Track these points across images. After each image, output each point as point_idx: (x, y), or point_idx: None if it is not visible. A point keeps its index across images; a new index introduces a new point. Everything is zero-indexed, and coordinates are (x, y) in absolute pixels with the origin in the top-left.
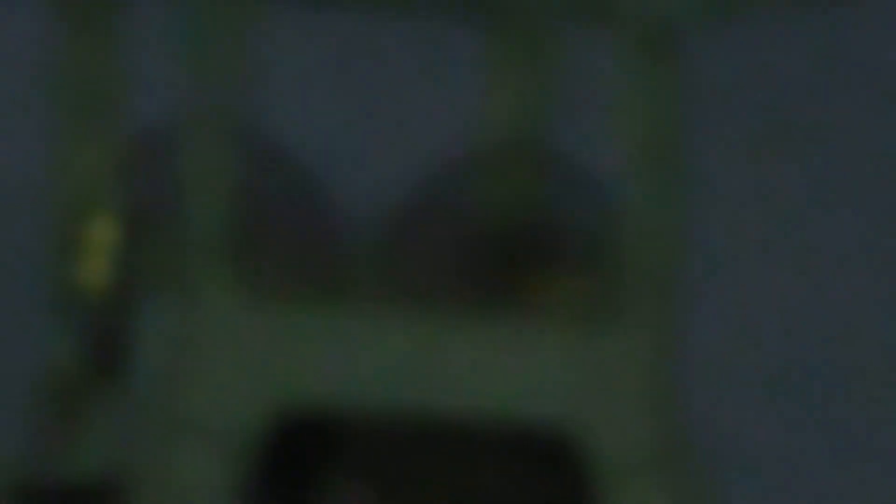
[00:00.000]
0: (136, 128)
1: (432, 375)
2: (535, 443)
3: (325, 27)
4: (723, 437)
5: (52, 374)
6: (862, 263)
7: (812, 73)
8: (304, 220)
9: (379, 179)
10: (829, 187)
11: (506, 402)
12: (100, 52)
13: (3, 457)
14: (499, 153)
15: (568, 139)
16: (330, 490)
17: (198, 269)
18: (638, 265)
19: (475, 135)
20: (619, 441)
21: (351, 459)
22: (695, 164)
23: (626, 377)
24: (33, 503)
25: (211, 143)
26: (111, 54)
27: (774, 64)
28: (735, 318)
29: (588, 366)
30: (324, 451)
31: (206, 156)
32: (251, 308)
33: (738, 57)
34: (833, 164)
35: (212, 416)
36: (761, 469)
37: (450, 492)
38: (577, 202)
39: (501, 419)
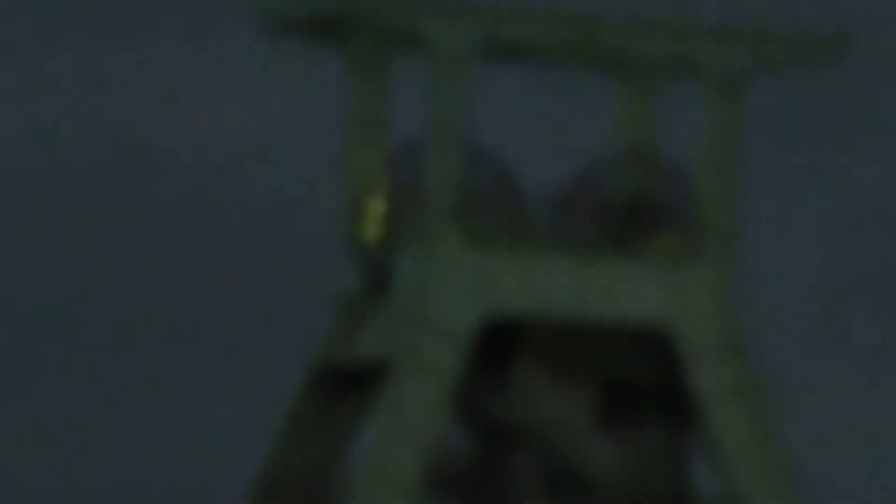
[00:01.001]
0: (397, 142)
1: (586, 293)
2: (647, 335)
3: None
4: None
5: (347, 291)
6: None
7: None
8: (504, 194)
9: (550, 173)
10: None
11: (630, 310)
12: (378, 91)
13: (312, 346)
14: (625, 155)
15: (667, 150)
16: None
17: (435, 225)
18: (709, 229)
19: (610, 144)
20: (697, 335)
21: (534, 349)
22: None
23: (702, 296)
24: (330, 377)
25: (443, 152)
26: (385, 94)
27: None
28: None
29: (678, 288)
30: (517, 344)
31: (440, 157)
32: (470, 250)
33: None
34: None
35: (446, 319)
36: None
37: (594, 367)
38: (674, 188)
39: (627, 321)
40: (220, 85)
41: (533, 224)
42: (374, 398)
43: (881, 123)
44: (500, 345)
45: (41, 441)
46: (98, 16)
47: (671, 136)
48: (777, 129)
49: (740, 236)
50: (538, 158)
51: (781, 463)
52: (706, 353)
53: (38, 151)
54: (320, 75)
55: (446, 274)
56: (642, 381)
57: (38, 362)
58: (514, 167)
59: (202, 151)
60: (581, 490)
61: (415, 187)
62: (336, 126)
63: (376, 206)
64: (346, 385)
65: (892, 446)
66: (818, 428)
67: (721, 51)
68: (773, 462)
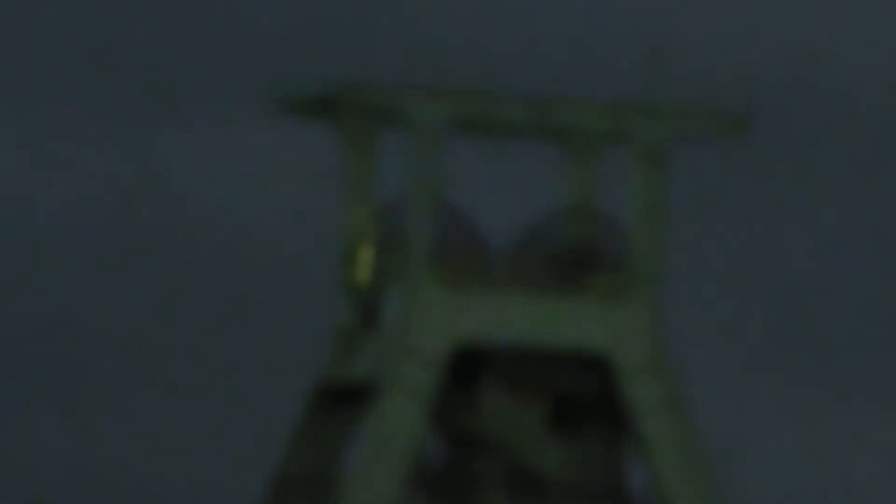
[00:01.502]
0: (383, 202)
1: (538, 324)
2: (589, 358)
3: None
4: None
5: (341, 324)
6: None
7: None
8: (471, 244)
9: (509, 226)
10: None
11: (575, 337)
12: (366, 159)
13: (314, 370)
14: (570, 211)
15: (605, 207)
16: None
17: (414, 270)
18: (640, 271)
19: (558, 202)
20: (630, 357)
21: (496, 370)
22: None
23: (634, 325)
24: (329, 395)
25: (421, 209)
26: (373, 159)
27: None
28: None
29: (615, 319)
30: (481, 368)
31: (419, 213)
32: (443, 289)
33: None
34: None
35: (423, 347)
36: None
37: (545, 384)
38: (611, 238)
39: (573, 346)
40: (237, 156)
41: (494, 268)
42: (364, 413)
43: (784, 188)
44: (469, 367)
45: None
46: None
47: (608, 195)
48: (699, 190)
49: (665, 277)
50: (499, 214)
51: (702, 465)
52: (638, 372)
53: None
54: (319, 147)
55: (424, 309)
56: (586, 396)
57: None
58: (479, 221)
59: (226, 212)
60: (535, 488)
61: (398, 238)
62: (332, 189)
63: (366, 255)
64: (342, 402)
65: (788, 451)
66: (730, 436)
67: (647, 125)
68: (695, 464)
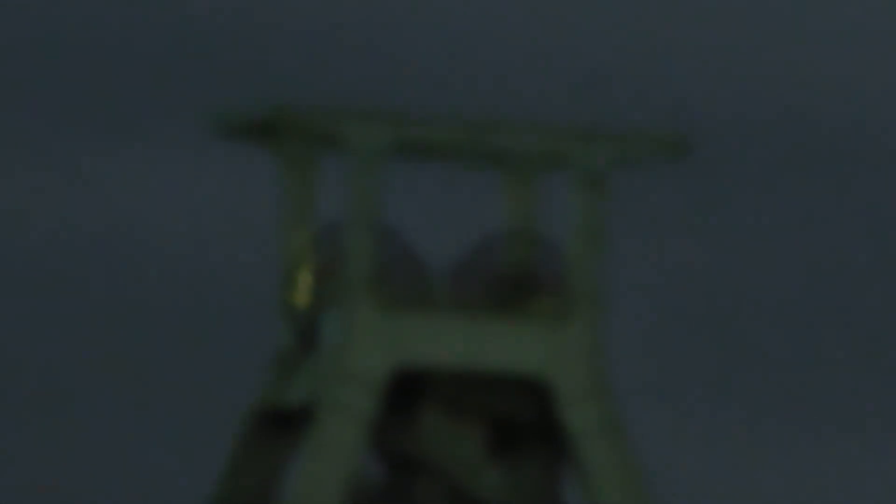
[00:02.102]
0: (322, 225)
1: (478, 347)
2: (528, 381)
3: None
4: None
5: (280, 347)
6: None
7: None
8: (410, 267)
9: (448, 250)
10: None
11: (514, 361)
12: (306, 183)
13: (250, 392)
14: (510, 235)
15: (544, 231)
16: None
17: (353, 293)
18: (579, 295)
19: (497, 226)
20: (569, 381)
21: (435, 393)
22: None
23: (573, 349)
24: (267, 419)
25: (360, 233)
26: (312, 182)
27: None
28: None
29: (554, 343)
30: (420, 391)
31: (358, 237)
32: (382, 312)
33: None
34: None
35: (362, 370)
36: None
37: (484, 408)
38: (550, 262)
39: (512, 370)
40: (174, 180)
41: (434, 291)
42: (303, 437)
43: (723, 211)
44: (408, 391)
45: None
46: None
47: (548, 219)
48: (637, 213)
49: (605, 301)
50: (438, 238)
51: (640, 487)
52: (577, 396)
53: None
54: (257, 171)
55: (363, 333)
56: (525, 420)
57: None
58: (419, 245)
59: (164, 235)
60: None
61: (337, 262)
62: (271, 212)
63: (305, 278)
64: (280, 426)
65: (724, 474)
66: (667, 460)
67: (586, 148)
68: (634, 489)
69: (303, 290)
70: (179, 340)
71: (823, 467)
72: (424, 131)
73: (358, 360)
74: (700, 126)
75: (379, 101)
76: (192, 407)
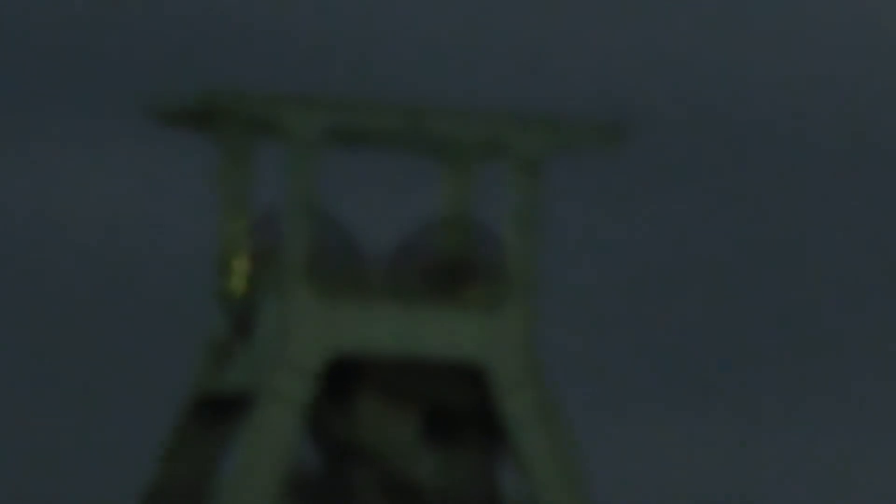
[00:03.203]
0: (258, 212)
1: (414, 335)
2: (465, 368)
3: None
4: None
5: (216, 334)
6: None
7: None
8: (347, 255)
9: (385, 237)
10: None
11: (450, 348)
12: (243, 170)
13: (187, 379)
14: (446, 222)
15: (480, 218)
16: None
17: (290, 280)
18: (515, 282)
19: (433, 213)
20: (505, 368)
21: (372, 380)
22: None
23: (509, 336)
24: (203, 406)
25: (297, 220)
26: (249, 169)
27: None
28: None
29: (490, 330)
30: (356, 378)
31: (295, 224)
32: (319, 300)
33: None
34: None
35: (299, 357)
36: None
37: (420, 395)
38: (486, 249)
39: (448, 357)
40: (112, 167)
41: (370, 279)
42: (240, 423)
43: (654, 195)
44: (344, 378)
45: None
46: None
47: (484, 206)
48: (574, 199)
49: (540, 287)
50: (375, 225)
51: (575, 472)
52: (513, 383)
53: None
54: (195, 158)
55: (299, 320)
56: (461, 406)
57: None
58: (356, 232)
59: (101, 222)
60: (411, 496)
61: (274, 249)
62: (208, 199)
63: (242, 265)
64: (217, 413)
65: (660, 458)
66: (603, 444)
67: (523, 136)
68: (569, 471)
69: (239, 277)
70: (114, 328)
71: (760, 451)
72: (362, 118)
73: (294, 347)
74: (634, 113)
75: (316, 88)
76: (128, 394)
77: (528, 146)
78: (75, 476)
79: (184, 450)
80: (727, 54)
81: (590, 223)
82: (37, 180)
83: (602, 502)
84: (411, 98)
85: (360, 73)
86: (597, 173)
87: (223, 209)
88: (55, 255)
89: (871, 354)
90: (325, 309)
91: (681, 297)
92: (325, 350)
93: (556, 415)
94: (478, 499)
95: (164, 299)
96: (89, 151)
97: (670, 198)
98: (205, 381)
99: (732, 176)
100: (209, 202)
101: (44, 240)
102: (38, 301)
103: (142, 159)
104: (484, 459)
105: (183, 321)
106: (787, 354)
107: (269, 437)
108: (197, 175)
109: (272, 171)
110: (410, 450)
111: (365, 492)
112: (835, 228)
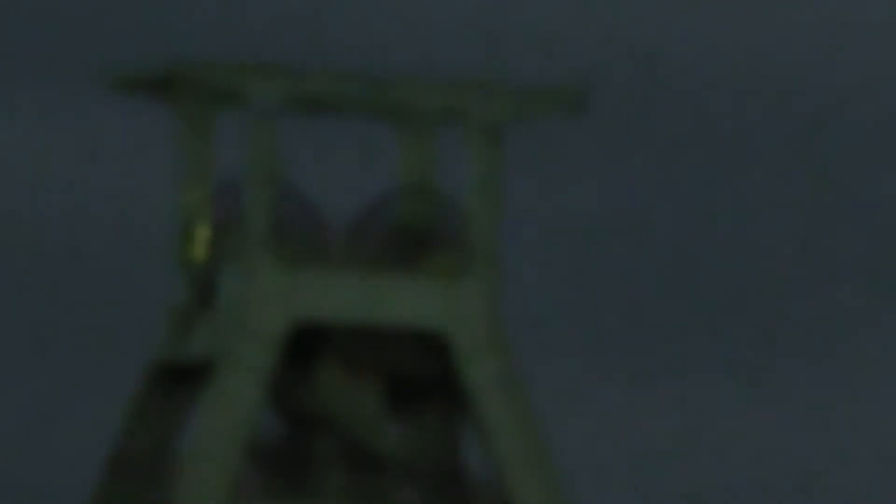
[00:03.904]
0: (220, 180)
1: (375, 303)
2: (427, 337)
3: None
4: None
5: (178, 302)
6: None
7: None
8: (308, 223)
9: (346, 205)
10: None
11: (412, 316)
12: (204, 139)
13: (148, 347)
14: (407, 190)
15: (442, 186)
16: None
17: (251, 248)
18: (477, 250)
19: (395, 181)
20: (468, 337)
21: (333, 349)
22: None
23: (471, 304)
24: (165, 373)
25: (258, 188)
26: (210, 138)
27: None
28: None
29: (452, 298)
30: (318, 346)
31: (256, 193)
32: (280, 268)
33: None
34: None
35: (260, 325)
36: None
37: (383, 363)
38: (448, 217)
39: (410, 326)
40: (72, 135)
41: (332, 246)
42: (202, 391)
43: (620, 166)
44: (306, 346)
45: None
46: None
47: (445, 174)
48: (535, 166)
49: (502, 254)
50: (336, 193)
51: (538, 441)
52: (475, 352)
53: None
54: (156, 126)
55: (261, 288)
56: (423, 375)
57: None
58: (317, 200)
59: (62, 190)
60: (373, 466)
61: (235, 217)
62: (170, 168)
63: (203, 233)
64: (179, 380)
65: (617, 424)
66: (567, 413)
67: (484, 103)
68: (532, 440)
69: (201, 245)
70: (76, 296)
71: (712, 414)
72: (322, 86)
73: (256, 316)
74: (597, 81)
75: (276, 57)
76: (90, 362)
77: (488, 114)
78: (36, 444)
79: (145, 418)
80: (686, 22)
81: (552, 192)
82: None
83: (565, 470)
84: (372, 66)
85: (322, 43)
86: (559, 141)
87: (185, 178)
88: (14, 224)
89: (826, 315)
90: (286, 277)
91: (640, 264)
92: (287, 318)
93: (518, 383)
94: (440, 467)
95: (126, 267)
96: (51, 119)
97: (630, 165)
98: (166, 349)
99: (691, 143)
100: (171, 171)
101: (1, 208)
102: None
103: (103, 128)
104: (446, 428)
105: (145, 289)
106: (742, 318)
107: (231, 405)
108: (158, 144)
109: (233, 139)
110: (372, 418)
111: (326, 461)
112: (787, 194)
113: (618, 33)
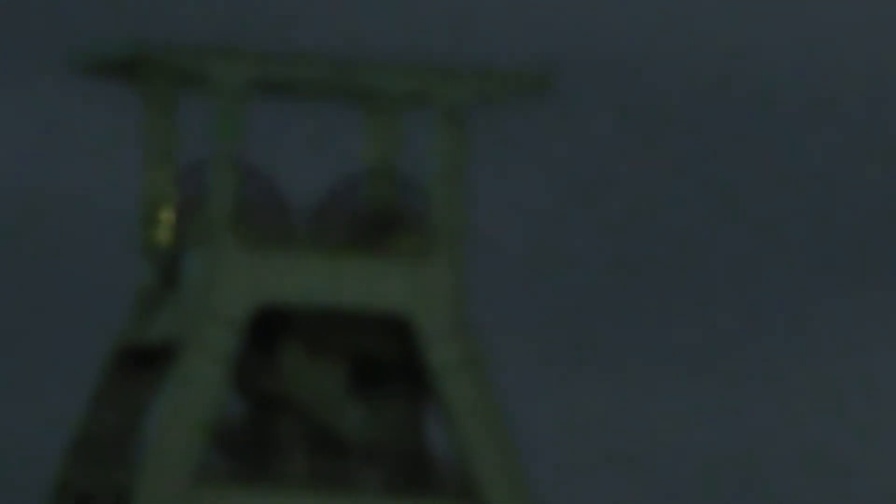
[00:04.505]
0: (184, 163)
1: (339, 285)
2: (391, 320)
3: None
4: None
5: (142, 285)
6: None
7: None
8: (272, 206)
9: (310, 188)
10: None
11: (376, 299)
12: (168, 121)
13: (112, 329)
14: (372, 173)
15: (406, 169)
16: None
17: (216, 231)
18: (442, 232)
19: (359, 164)
20: (432, 319)
21: (297, 331)
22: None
23: (436, 287)
24: (129, 356)
25: (223, 171)
26: (174, 120)
27: None
28: None
29: (416, 281)
30: (282, 329)
31: (221, 176)
32: (244, 251)
33: None
34: None
35: (224, 308)
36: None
37: (346, 346)
38: (413, 200)
39: (374, 308)
40: (35, 117)
41: (296, 229)
42: (166, 373)
43: (585, 149)
44: (270, 328)
45: None
46: None
47: (410, 157)
48: (500, 149)
49: (467, 237)
50: (300, 176)
51: (502, 423)
52: (440, 334)
53: None
54: (120, 108)
55: (225, 271)
56: (387, 358)
57: None
58: (281, 183)
59: (25, 172)
60: (336, 448)
61: (199, 200)
62: (134, 150)
63: (168, 216)
64: (142, 363)
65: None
66: (530, 395)
67: (449, 86)
68: (495, 423)
69: (165, 228)
70: (39, 278)
71: (681, 405)
72: (287, 69)
73: (220, 299)
74: (561, 64)
75: (241, 40)
76: (55, 344)
77: (453, 97)
78: None
79: (109, 400)
80: (652, 6)
81: (516, 174)
82: None
83: (527, 452)
84: (337, 49)
85: (287, 25)
86: (524, 124)
87: (149, 160)
88: None
89: (802, 288)
90: (250, 260)
91: (604, 246)
92: (251, 301)
93: (482, 366)
94: (404, 450)
95: (90, 250)
96: (13, 101)
97: (594, 147)
98: (131, 332)
99: (655, 125)
100: (135, 153)
101: None
102: None
103: (66, 110)
104: (410, 411)
105: (109, 272)
106: (710, 297)
107: (195, 387)
108: (123, 126)
109: (198, 122)
110: (336, 401)
111: (290, 444)
112: (755, 172)
113: (584, 17)
